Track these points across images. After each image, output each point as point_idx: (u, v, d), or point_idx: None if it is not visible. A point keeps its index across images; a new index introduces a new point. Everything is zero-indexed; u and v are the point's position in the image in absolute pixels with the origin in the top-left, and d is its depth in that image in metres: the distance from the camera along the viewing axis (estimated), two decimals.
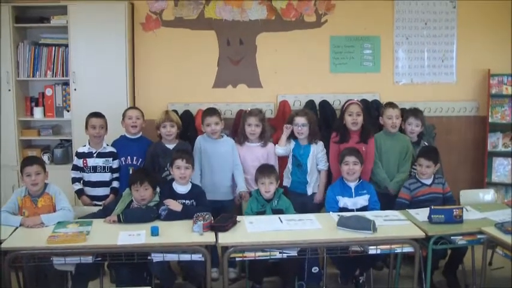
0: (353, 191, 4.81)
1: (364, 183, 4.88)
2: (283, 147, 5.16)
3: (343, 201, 4.78)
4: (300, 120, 5.12)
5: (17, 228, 4.13)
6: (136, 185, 4.43)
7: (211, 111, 5.13)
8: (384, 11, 6.36)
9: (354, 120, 5.17)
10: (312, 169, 5.15)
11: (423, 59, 6.48)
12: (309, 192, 5.16)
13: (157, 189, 4.60)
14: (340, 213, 4.43)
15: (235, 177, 5.10)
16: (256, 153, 5.16)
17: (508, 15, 6.42)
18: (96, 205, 4.91)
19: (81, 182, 5.09)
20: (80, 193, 5.07)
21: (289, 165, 5.22)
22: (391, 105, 5.42)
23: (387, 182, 5.16)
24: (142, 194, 4.43)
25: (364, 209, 4.75)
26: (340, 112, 5.43)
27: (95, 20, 5.75)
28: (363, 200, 4.80)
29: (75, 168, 5.10)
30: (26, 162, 4.43)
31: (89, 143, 5.11)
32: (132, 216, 4.30)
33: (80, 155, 5.09)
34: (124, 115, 5.22)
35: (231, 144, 5.16)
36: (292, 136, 5.19)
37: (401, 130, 5.42)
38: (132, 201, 4.51)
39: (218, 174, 5.07)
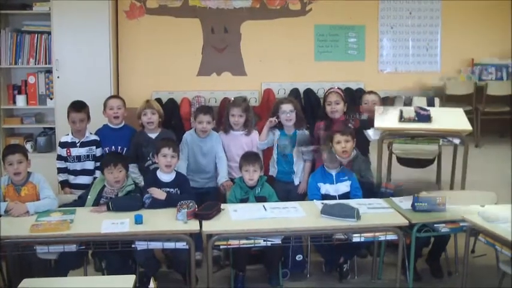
0: (334, 177, 4.80)
1: (345, 170, 4.87)
2: (264, 142, 5.16)
3: (325, 188, 4.77)
4: (287, 107, 5.09)
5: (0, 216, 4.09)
6: (110, 167, 4.39)
7: (205, 109, 5.12)
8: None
9: (333, 109, 5.18)
10: (298, 159, 5.15)
11: (408, 48, 6.52)
12: (296, 182, 5.15)
13: (129, 172, 4.59)
14: (324, 201, 4.44)
15: (218, 168, 5.08)
16: (240, 142, 5.15)
17: (492, 6, 6.46)
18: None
19: (67, 171, 5.04)
20: (63, 184, 5.03)
21: (274, 155, 5.20)
22: (367, 92, 5.49)
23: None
24: (116, 175, 4.39)
25: (346, 195, 4.76)
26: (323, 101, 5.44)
27: (78, 8, 5.69)
28: (344, 186, 4.79)
29: (60, 158, 5.05)
30: (8, 150, 4.35)
31: (72, 133, 5.06)
32: (121, 204, 4.27)
33: (63, 145, 5.02)
34: (105, 105, 5.12)
35: (215, 138, 5.14)
36: (276, 126, 5.17)
37: None
38: (104, 187, 4.48)
39: (203, 169, 5.08)
